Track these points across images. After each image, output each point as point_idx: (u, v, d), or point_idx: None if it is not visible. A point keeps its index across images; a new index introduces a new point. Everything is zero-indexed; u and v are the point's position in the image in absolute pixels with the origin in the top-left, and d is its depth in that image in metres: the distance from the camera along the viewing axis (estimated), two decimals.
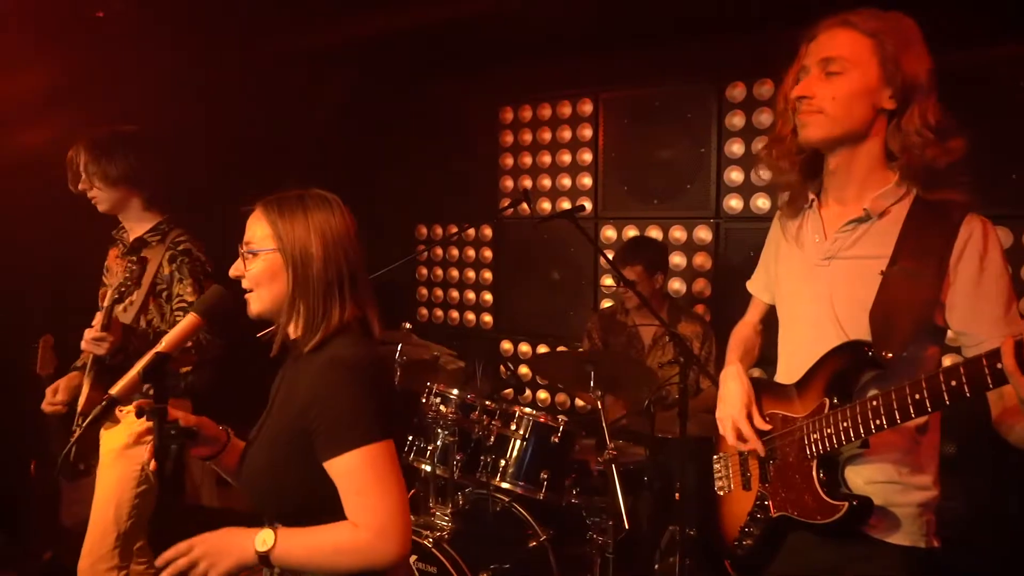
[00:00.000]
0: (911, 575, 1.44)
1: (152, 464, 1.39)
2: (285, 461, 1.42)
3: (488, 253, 4.52)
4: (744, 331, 1.85)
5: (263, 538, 1.36)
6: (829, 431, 1.43)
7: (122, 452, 2.41)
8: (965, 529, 2.47)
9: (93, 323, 2.18)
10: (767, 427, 1.56)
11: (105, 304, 2.19)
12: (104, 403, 1.34)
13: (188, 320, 1.45)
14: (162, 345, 1.40)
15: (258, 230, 1.47)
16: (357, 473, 1.34)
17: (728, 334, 1.91)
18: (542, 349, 4.29)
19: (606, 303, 3.95)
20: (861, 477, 1.46)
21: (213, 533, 1.40)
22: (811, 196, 1.58)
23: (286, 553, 1.36)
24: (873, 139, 1.46)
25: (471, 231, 4.52)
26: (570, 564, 2.95)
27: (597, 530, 2.83)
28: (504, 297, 4.47)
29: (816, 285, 1.54)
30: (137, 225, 2.55)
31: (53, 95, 3.29)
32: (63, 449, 2.56)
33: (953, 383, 1.22)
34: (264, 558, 1.36)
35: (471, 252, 4.59)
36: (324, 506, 1.37)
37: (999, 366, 1.16)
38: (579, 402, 4.13)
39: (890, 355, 1.38)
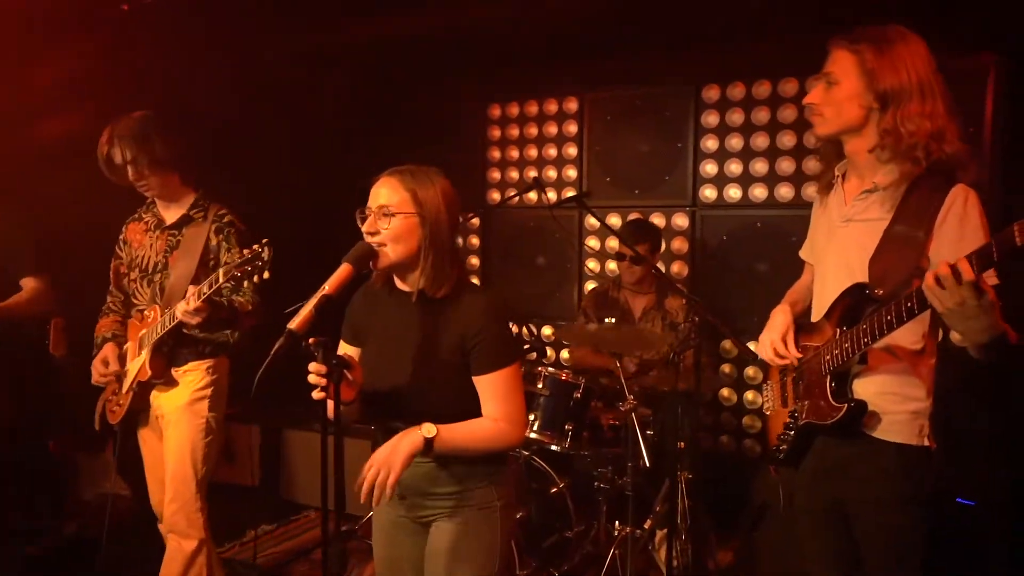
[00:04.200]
0: (904, 466, 1.83)
1: (317, 392, 1.67)
2: (446, 376, 1.81)
3: (475, 240, 4.84)
4: (797, 286, 2.23)
5: (428, 429, 1.73)
6: (837, 351, 1.83)
7: (187, 407, 2.64)
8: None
9: (187, 296, 2.35)
10: (799, 355, 1.96)
11: (204, 287, 2.33)
12: (285, 336, 1.61)
13: (343, 269, 1.73)
14: (326, 288, 1.68)
15: (395, 195, 1.78)
16: (503, 384, 1.81)
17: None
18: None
19: (590, 284, 4.33)
20: (864, 388, 1.85)
21: (382, 447, 1.74)
22: (837, 174, 1.98)
23: (449, 439, 1.75)
24: (869, 131, 1.85)
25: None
26: (581, 510, 3.32)
27: (603, 480, 3.22)
28: (491, 281, 4.79)
29: (837, 242, 1.94)
30: (174, 203, 2.70)
31: (79, 87, 3.42)
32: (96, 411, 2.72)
33: (908, 304, 1.63)
34: (429, 443, 1.72)
35: (459, 240, 4.87)
36: (467, 409, 1.81)
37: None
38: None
39: (881, 292, 1.78)
